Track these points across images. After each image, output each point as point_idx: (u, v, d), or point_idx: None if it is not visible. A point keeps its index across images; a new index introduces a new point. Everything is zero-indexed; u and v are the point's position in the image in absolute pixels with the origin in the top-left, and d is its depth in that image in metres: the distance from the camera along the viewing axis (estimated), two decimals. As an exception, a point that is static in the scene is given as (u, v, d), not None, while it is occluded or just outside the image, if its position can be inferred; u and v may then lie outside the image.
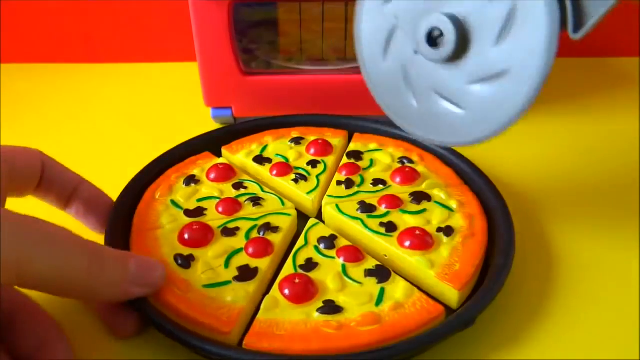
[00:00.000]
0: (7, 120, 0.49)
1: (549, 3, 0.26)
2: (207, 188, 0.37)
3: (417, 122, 0.32)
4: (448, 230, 0.33)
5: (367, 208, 0.35)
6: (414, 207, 0.35)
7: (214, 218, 0.34)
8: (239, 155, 0.40)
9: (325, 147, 0.40)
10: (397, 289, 0.30)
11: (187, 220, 0.34)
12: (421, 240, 0.32)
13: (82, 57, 0.59)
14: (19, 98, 0.53)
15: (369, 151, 0.40)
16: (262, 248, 0.32)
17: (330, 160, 0.39)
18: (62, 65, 0.59)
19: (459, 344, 0.28)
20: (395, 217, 0.34)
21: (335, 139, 0.42)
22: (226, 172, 0.38)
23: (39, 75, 0.57)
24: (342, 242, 0.32)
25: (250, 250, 0.32)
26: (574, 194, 0.40)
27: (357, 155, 0.40)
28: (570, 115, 0.50)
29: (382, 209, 0.35)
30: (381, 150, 0.41)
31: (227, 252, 0.32)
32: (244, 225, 0.33)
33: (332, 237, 0.33)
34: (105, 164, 0.43)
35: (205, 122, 0.48)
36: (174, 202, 0.35)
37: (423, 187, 0.37)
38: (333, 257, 0.31)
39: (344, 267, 0.31)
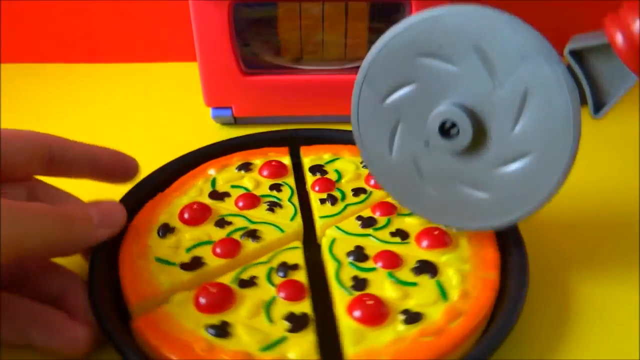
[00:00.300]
0: (7, 120, 0.49)
1: (564, 79, 0.25)
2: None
3: (438, 210, 0.30)
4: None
5: (368, 222, 0.33)
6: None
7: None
8: (190, 195, 0.36)
9: (280, 169, 0.38)
10: (451, 277, 0.29)
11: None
12: (441, 239, 0.31)
13: (82, 57, 0.59)
14: (19, 98, 0.53)
15: (328, 162, 0.39)
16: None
17: (290, 181, 0.37)
18: (62, 65, 0.59)
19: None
20: (399, 222, 0.33)
21: (282, 157, 0.39)
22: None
23: (39, 75, 0.57)
24: (371, 251, 0.31)
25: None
26: (572, 195, 0.40)
27: (319, 169, 0.38)
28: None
29: (382, 218, 0.34)
30: (339, 158, 0.39)
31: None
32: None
33: (360, 248, 0.31)
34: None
35: (206, 122, 0.48)
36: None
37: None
38: (374, 268, 0.30)
39: (390, 274, 0.30)
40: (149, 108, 0.52)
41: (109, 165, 0.34)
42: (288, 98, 0.46)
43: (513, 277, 0.30)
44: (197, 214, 0.33)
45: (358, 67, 0.46)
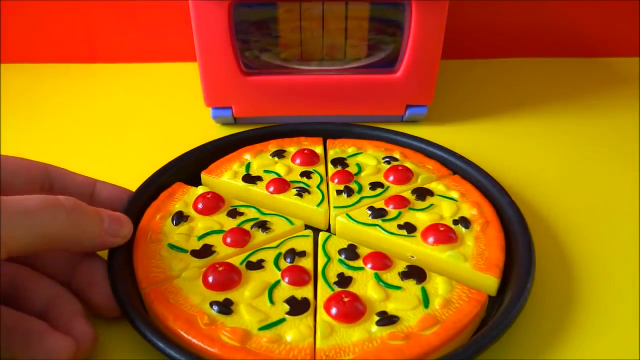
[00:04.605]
0: (7, 120, 0.49)
1: None
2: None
3: None
4: (464, 222, 0.34)
5: (378, 212, 0.35)
6: (422, 204, 0.35)
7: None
8: (224, 177, 0.38)
9: (312, 157, 0.40)
10: (438, 285, 0.30)
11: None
12: (446, 236, 0.32)
13: (82, 57, 0.59)
14: (19, 98, 0.53)
15: (350, 156, 0.40)
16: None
17: (321, 169, 0.39)
18: (62, 65, 0.59)
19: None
20: (409, 216, 0.34)
21: (315, 147, 0.41)
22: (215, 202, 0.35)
23: (39, 75, 0.57)
24: (364, 251, 0.32)
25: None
26: (572, 194, 0.40)
27: (341, 161, 0.40)
28: (570, 115, 0.50)
29: (393, 211, 0.35)
30: (362, 153, 0.40)
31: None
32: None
33: (352, 247, 0.32)
34: (105, 164, 0.43)
35: (206, 122, 0.48)
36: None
37: (419, 182, 0.37)
38: (362, 268, 0.31)
39: (376, 275, 0.30)
40: (149, 108, 0.52)
41: (108, 197, 0.34)
42: (288, 98, 0.46)
43: (513, 287, 0.30)
44: (211, 204, 0.35)
45: (358, 67, 0.46)
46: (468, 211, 0.35)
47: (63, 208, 0.26)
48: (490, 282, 0.30)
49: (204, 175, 0.39)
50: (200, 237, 0.33)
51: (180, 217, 0.34)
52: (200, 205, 0.35)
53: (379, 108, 0.47)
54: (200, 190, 0.37)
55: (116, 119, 0.50)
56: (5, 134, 0.47)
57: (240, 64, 0.44)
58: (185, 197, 0.36)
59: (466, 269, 0.31)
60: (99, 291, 0.29)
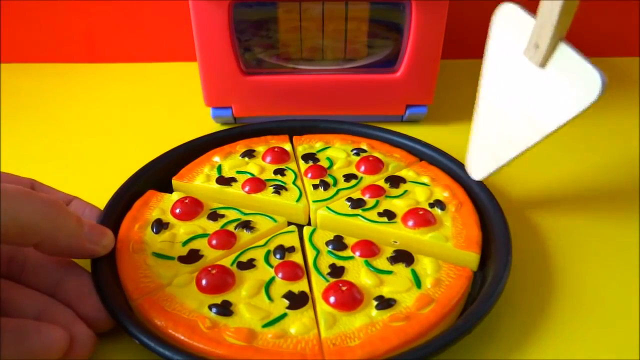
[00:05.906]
0: (7, 120, 0.49)
1: None
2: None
3: None
4: (439, 204, 0.35)
5: (357, 203, 0.35)
6: (396, 192, 0.37)
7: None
8: (197, 181, 0.38)
9: (282, 155, 0.40)
10: (426, 266, 0.31)
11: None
12: (425, 219, 0.33)
13: (82, 57, 0.60)
14: (19, 98, 0.53)
15: (319, 151, 0.41)
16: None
17: (292, 166, 0.40)
18: (62, 65, 0.59)
19: (462, 348, 0.28)
20: (387, 204, 0.35)
21: (283, 144, 0.41)
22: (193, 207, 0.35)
23: (39, 75, 0.57)
24: (350, 240, 0.33)
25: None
26: (572, 194, 0.40)
27: (311, 157, 0.40)
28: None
29: (370, 200, 0.36)
30: (330, 147, 0.41)
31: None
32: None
33: (339, 238, 0.33)
34: (105, 164, 0.43)
35: (206, 122, 0.48)
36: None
37: (390, 171, 0.39)
38: (352, 257, 0.32)
39: (367, 262, 0.31)
40: (149, 108, 0.52)
41: (81, 215, 0.33)
42: (288, 98, 0.46)
43: (495, 261, 0.31)
44: (189, 209, 0.35)
45: (357, 67, 0.46)
46: (440, 194, 0.36)
47: (39, 197, 0.26)
48: (471, 258, 0.32)
49: (175, 181, 0.38)
50: (185, 243, 0.33)
51: (160, 225, 0.34)
52: (178, 211, 0.34)
53: (379, 108, 0.47)
54: (175, 196, 0.36)
55: (116, 119, 0.50)
56: (5, 134, 0.47)
57: (240, 64, 0.44)
58: (160, 204, 0.35)
59: (449, 248, 0.32)
60: (87, 304, 0.28)
